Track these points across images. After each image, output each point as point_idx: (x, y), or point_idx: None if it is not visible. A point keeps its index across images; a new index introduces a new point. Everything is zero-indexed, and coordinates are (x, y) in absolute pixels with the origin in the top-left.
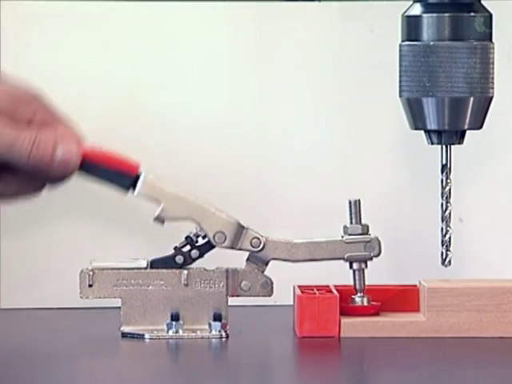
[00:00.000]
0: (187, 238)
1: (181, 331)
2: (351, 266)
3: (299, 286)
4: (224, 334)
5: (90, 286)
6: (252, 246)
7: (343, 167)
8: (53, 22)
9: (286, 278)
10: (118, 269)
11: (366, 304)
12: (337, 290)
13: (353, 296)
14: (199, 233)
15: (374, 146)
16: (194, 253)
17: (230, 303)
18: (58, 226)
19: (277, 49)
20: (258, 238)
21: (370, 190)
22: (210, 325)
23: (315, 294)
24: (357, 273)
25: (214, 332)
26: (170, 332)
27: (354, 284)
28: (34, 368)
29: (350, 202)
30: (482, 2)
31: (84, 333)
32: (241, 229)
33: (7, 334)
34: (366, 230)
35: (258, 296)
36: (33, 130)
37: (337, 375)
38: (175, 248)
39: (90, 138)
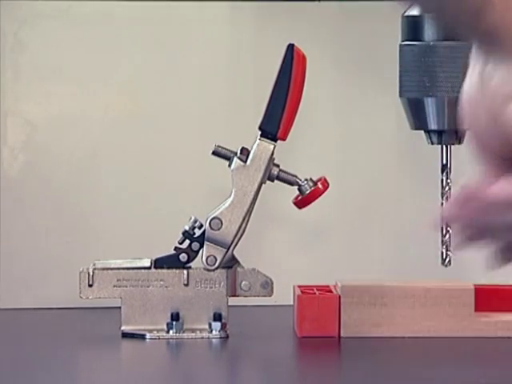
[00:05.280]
0: (184, 233)
1: (181, 331)
2: None
3: (299, 286)
4: (224, 334)
5: (90, 285)
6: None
7: (343, 167)
8: (53, 22)
9: (286, 278)
10: (118, 269)
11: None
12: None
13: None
14: (195, 225)
15: (374, 145)
16: (195, 245)
17: (230, 303)
18: (58, 226)
19: (277, 49)
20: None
21: (370, 190)
22: (210, 325)
23: (315, 293)
24: None
25: (214, 332)
26: (170, 332)
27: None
28: (35, 368)
29: None
30: None
31: (84, 333)
32: None
33: (7, 333)
34: None
35: (258, 296)
36: None
37: (337, 375)
38: (176, 248)
39: (90, 138)
